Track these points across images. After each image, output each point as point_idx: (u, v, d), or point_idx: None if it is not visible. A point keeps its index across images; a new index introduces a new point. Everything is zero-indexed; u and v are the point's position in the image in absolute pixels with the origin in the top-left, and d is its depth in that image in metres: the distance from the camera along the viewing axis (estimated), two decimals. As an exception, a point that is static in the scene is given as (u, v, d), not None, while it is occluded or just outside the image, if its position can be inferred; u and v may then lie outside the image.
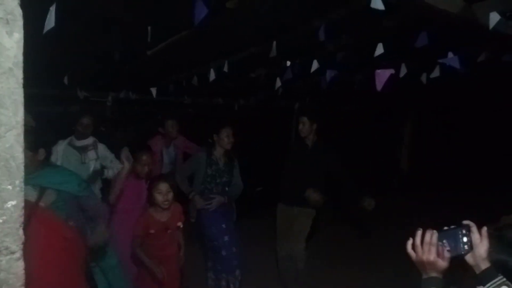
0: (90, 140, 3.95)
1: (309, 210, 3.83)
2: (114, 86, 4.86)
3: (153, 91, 4.38)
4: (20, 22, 0.86)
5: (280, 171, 4.03)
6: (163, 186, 2.96)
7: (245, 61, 3.40)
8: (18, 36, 0.86)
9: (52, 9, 1.75)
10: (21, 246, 0.91)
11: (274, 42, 2.61)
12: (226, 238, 3.58)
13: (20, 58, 0.86)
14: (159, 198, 2.96)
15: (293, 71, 3.32)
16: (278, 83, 3.60)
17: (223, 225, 3.63)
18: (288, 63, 3.13)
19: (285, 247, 3.89)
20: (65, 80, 3.83)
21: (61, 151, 3.74)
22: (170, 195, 2.99)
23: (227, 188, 3.81)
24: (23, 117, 0.89)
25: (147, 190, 3.08)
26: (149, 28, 2.34)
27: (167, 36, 2.66)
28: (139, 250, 2.97)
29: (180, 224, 3.11)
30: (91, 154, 3.92)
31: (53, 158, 3.54)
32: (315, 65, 2.94)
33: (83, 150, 3.85)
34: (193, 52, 3.18)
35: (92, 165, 3.94)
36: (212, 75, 3.41)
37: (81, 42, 2.52)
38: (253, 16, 2.38)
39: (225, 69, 3.19)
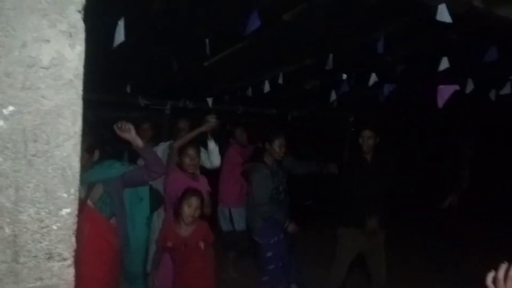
0: None
1: (381, 231, 3.58)
2: (172, 95, 5.04)
3: (209, 100, 4.47)
4: (82, 35, 0.89)
5: (337, 191, 3.76)
6: (194, 201, 2.89)
7: (299, 72, 3.36)
8: (80, 48, 0.88)
9: (121, 23, 1.83)
10: (73, 253, 0.93)
11: (331, 55, 2.56)
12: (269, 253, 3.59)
13: (81, 70, 0.89)
14: (186, 211, 2.87)
15: (349, 84, 3.22)
16: (333, 95, 3.51)
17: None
18: (345, 76, 3.04)
19: (342, 274, 3.66)
20: (128, 89, 4.02)
21: (161, 151, 3.69)
22: (197, 212, 2.90)
23: (283, 195, 3.73)
24: (81, 128, 0.91)
25: (179, 198, 2.97)
26: (207, 40, 2.38)
27: (224, 48, 2.69)
28: (165, 257, 2.97)
29: (201, 244, 2.92)
30: None
31: None
32: (373, 78, 2.83)
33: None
34: (248, 63, 3.20)
35: None
36: (266, 87, 3.41)
37: (143, 53, 2.62)
38: (310, 27, 2.34)
39: (280, 81, 3.17)
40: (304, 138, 6.09)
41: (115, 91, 4.42)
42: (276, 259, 3.58)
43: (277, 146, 3.58)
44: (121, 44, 2.03)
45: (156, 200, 3.62)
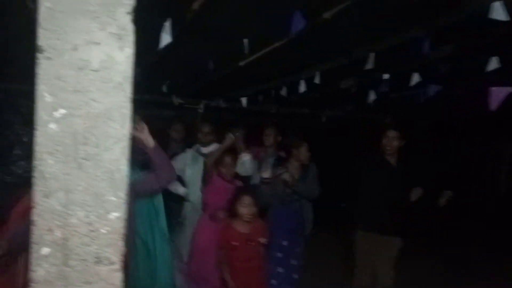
0: (214, 147, 3.86)
1: (398, 239, 3.42)
2: (206, 94, 5.06)
3: (243, 100, 4.45)
4: (131, 38, 0.87)
5: (356, 193, 3.60)
6: (247, 199, 2.97)
7: (336, 72, 3.28)
8: (129, 51, 0.87)
9: (167, 24, 1.84)
10: (121, 257, 0.92)
11: (372, 54, 2.47)
12: (279, 254, 3.52)
13: (130, 72, 0.88)
14: (243, 210, 2.96)
15: (389, 84, 3.11)
16: (372, 95, 3.40)
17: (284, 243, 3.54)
18: (387, 76, 2.93)
19: (365, 279, 3.53)
20: (164, 88, 4.07)
21: (189, 158, 3.86)
22: (254, 209, 2.98)
23: (297, 203, 3.67)
24: (129, 130, 0.90)
25: (230, 202, 3.08)
26: (245, 40, 2.36)
27: (261, 48, 2.65)
28: (223, 263, 3.00)
29: (263, 239, 3.05)
30: None
31: (180, 165, 3.77)
32: (415, 78, 2.72)
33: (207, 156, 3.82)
34: (285, 62, 3.16)
35: None
36: (302, 86, 3.36)
37: (181, 53, 2.63)
38: (351, 25, 2.28)
39: (316, 80, 3.10)
40: (338, 140, 5.97)
41: (151, 90, 4.49)
42: (284, 262, 3.52)
43: (305, 150, 3.59)
44: (158, 44, 2.04)
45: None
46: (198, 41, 2.56)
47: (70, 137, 0.85)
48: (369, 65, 2.50)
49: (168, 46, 2.20)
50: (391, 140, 3.34)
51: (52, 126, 0.83)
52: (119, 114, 0.88)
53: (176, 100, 5.06)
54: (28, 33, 2.38)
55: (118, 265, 0.92)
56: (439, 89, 3.08)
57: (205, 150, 3.90)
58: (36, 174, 0.84)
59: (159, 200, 2.67)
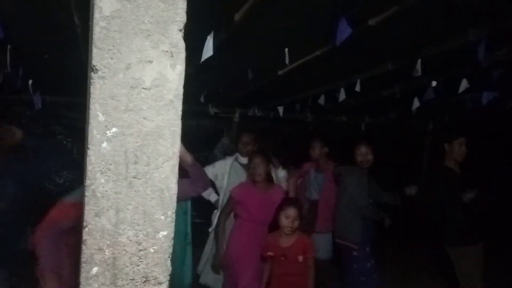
0: None
1: (482, 244, 3.36)
2: (242, 103, 5.08)
3: (280, 109, 4.42)
4: (183, 55, 0.86)
5: (440, 212, 3.46)
6: (292, 211, 2.85)
7: (378, 79, 3.18)
8: (180, 68, 0.86)
9: (210, 38, 1.84)
10: (168, 277, 0.90)
11: (419, 60, 2.37)
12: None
13: (181, 90, 0.87)
14: (284, 222, 2.85)
15: (436, 90, 2.97)
16: (416, 103, 3.27)
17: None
18: (434, 83, 2.81)
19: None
20: (202, 98, 4.11)
21: (229, 166, 3.81)
22: (296, 223, 2.86)
23: (372, 207, 3.61)
24: (179, 148, 0.89)
25: (276, 210, 2.97)
26: (286, 50, 2.33)
27: (301, 56, 2.62)
28: (266, 267, 2.96)
29: (300, 258, 2.88)
30: None
31: (219, 171, 3.78)
32: (464, 84, 2.59)
33: (247, 167, 3.72)
34: (325, 71, 3.10)
35: None
36: (342, 95, 3.28)
37: (220, 63, 2.63)
38: (397, 32, 2.20)
39: (357, 88, 3.02)
40: (379, 148, 5.81)
41: (189, 100, 4.55)
42: (372, 270, 3.45)
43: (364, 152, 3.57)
44: (199, 55, 2.05)
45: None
46: (238, 51, 2.55)
47: (122, 155, 0.84)
48: (417, 72, 2.39)
49: (209, 57, 2.20)
50: (464, 147, 3.27)
51: (105, 145, 0.82)
52: (169, 132, 0.87)
53: (212, 110, 5.11)
54: (73, 48, 2.46)
55: (165, 285, 0.90)
56: (491, 96, 2.92)
57: (244, 160, 3.82)
58: (87, 193, 0.84)
59: (188, 202, 2.77)
